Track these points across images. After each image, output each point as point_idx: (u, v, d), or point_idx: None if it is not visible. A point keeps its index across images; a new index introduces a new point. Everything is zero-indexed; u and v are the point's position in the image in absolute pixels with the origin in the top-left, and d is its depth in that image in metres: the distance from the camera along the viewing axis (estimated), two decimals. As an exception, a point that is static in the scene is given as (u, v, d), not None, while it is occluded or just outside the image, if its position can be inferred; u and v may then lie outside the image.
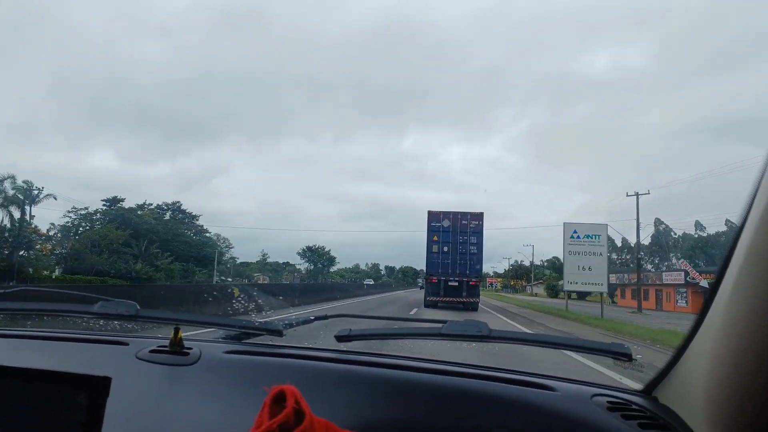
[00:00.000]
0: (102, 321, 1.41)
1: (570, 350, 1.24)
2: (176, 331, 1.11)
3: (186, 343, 1.11)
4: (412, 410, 0.95)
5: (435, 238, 22.15)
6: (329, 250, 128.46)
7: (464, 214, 22.24)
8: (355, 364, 1.11)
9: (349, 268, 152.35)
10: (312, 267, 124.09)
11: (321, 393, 0.96)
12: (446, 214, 22.32)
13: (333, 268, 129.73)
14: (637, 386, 1.10)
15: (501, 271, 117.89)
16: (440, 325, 1.18)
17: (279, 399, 0.60)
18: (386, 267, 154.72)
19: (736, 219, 0.77)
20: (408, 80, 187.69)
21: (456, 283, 21.37)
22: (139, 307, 1.25)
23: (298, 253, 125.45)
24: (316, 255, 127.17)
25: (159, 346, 1.11)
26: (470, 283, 21.50)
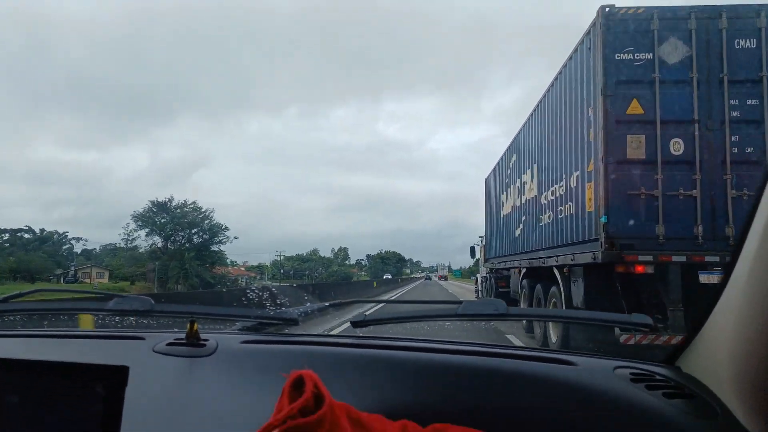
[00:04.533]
0: (117, 318, 1.42)
1: (591, 324, 1.23)
2: (192, 323, 1.12)
3: (202, 335, 1.12)
4: (432, 391, 0.95)
5: (636, 107, 5.48)
6: (209, 212, 56.98)
7: (737, 11, 5.65)
8: (372, 348, 1.10)
9: (302, 255, 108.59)
10: (163, 244, 54.07)
11: (339, 378, 0.95)
12: (675, 15, 5.64)
13: (223, 247, 59.63)
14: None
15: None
16: (456, 305, 1.17)
17: (298, 385, 0.59)
18: (367, 256, 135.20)
19: None
20: (385, 39, 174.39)
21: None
22: (153, 302, 1.26)
23: (133, 217, 55.36)
24: (172, 217, 54.22)
25: (175, 339, 1.12)
26: None
